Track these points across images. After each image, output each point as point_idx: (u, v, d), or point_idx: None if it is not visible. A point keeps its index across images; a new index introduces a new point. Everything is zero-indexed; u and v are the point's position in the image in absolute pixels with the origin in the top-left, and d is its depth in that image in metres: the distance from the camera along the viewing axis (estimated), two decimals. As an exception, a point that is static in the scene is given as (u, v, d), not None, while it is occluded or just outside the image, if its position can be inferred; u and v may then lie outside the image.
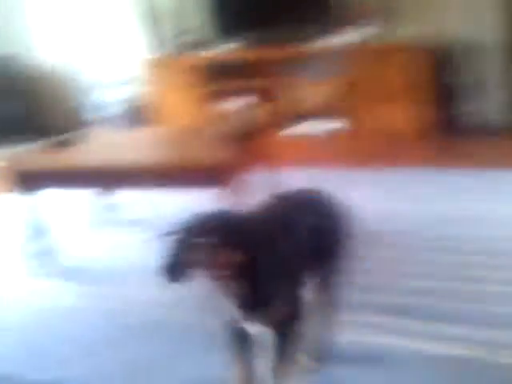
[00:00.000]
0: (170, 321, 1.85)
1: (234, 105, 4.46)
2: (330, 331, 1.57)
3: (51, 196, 3.16)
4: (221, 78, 4.35)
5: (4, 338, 1.87)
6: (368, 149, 3.91)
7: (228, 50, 4.40)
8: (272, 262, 1.26)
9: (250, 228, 1.24)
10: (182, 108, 4.52)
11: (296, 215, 1.45)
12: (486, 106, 4.06)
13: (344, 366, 1.53)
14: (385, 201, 2.80)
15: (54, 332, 1.87)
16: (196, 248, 1.15)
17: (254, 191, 2.23)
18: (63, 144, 2.44)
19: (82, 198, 3.06)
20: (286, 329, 1.32)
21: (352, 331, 1.66)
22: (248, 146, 2.23)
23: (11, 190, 2.39)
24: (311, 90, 4.30)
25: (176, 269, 1.16)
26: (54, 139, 2.53)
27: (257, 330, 1.32)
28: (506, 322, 1.66)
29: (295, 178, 2.99)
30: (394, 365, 1.53)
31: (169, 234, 1.19)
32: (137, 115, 4.69)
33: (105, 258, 2.42)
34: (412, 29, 3.99)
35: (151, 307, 1.95)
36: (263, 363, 1.38)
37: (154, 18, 4.63)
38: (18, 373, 1.65)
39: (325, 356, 1.55)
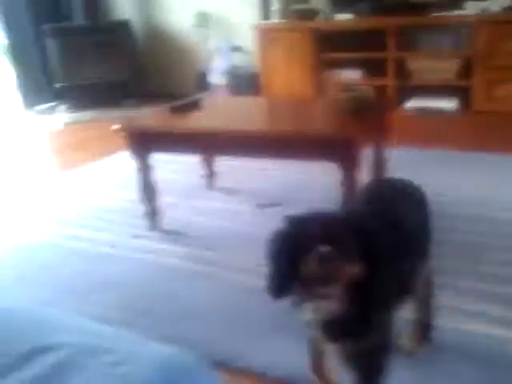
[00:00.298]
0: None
1: (347, 76, 4.30)
2: (430, 316, 1.48)
3: (161, 160, 3.29)
4: (335, 48, 4.19)
5: (108, 292, 1.95)
6: (485, 132, 3.59)
7: (343, 19, 4.21)
8: (390, 277, 1.03)
9: (375, 233, 1.01)
10: (295, 77, 4.43)
11: (407, 215, 1.23)
12: None
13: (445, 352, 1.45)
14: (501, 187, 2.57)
15: (159, 290, 1.92)
16: (315, 257, 0.93)
17: (365, 167, 2.14)
18: (178, 109, 2.46)
19: (190, 163, 3.13)
20: (373, 363, 1.13)
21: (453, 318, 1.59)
22: (362, 120, 2.12)
23: (125, 151, 2.47)
24: (429, 64, 4.01)
25: (284, 282, 0.99)
26: (169, 103, 2.56)
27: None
28: None
29: (404, 156, 2.87)
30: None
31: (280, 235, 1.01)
32: (251, 83, 4.68)
33: (209, 223, 2.44)
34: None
35: (248, 273, 1.93)
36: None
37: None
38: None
39: (426, 341, 1.47)
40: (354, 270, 0.96)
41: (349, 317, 1.02)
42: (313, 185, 2.77)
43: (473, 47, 3.79)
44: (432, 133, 3.62)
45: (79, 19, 5.12)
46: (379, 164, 2.47)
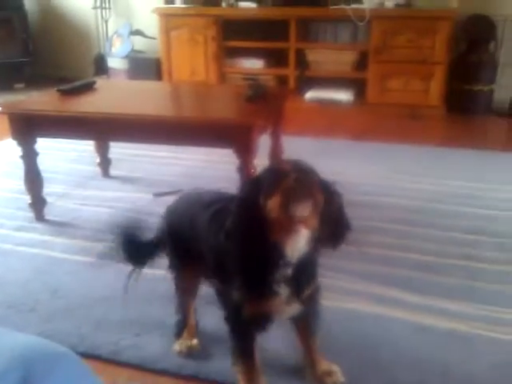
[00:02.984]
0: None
1: (249, 65, 4.30)
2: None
3: (54, 147, 3.07)
4: (238, 36, 4.17)
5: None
6: (378, 123, 3.75)
7: (246, 7, 4.20)
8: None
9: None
10: (198, 64, 4.35)
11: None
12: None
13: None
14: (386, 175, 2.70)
15: (45, 285, 1.78)
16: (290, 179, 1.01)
17: (263, 155, 2.14)
18: (67, 91, 2.31)
19: (87, 151, 2.97)
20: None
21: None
22: (259, 107, 2.11)
23: (9, 137, 2.28)
24: (328, 55, 4.11)
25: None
26: (60, 86, 2.39)
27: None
28: None
29: (302, 145, 2.93)
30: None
31: None
32: (153, 69, 4.53)
33: (102, 214, 2.31)
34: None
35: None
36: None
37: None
38: None
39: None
40: (321, 195, 1.03)
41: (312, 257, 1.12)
42: (211, 172, 2.73)
43: (368, 41, 3.93)
44: (329, 123, 3.72)
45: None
46: (276, 151, 2.48)
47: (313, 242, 1.09)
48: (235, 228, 1.08)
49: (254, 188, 1.06)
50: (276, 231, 1.04)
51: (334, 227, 1.09)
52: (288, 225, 1.03)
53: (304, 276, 1.13)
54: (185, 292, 1.44)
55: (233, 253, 1.11)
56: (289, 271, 1.10)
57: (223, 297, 1.25)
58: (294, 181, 1.00)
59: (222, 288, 1.25)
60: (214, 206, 1.26)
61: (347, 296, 1.68)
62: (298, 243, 1.07)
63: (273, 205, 1.01)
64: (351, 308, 1.63)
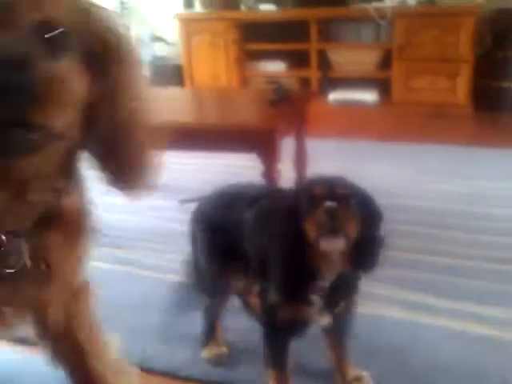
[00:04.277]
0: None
1: (271, 68, 4.29)
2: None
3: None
4: (259, 39, 4.16)
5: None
6: (404, 123, 3.70)
7: (267, 10, 4.19)
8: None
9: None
10: (220, 69, 4.37)
11: None
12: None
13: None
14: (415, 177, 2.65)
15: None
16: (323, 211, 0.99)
17: (287, 159, 2.13)
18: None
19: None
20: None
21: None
22: (283, 111, 2.10)
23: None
24: (350, 55, 4.08)
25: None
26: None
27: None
28: None
29: (327, 147, 2.91)
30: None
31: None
32: (175, 74, 4.56)
33: (128, 221, 2.34)
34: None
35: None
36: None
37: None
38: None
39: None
40: (355, 225, 1.02)
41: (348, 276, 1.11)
42: (235, 178, 2.71)
43: (391, 39, 3.88)
44: (354, 124, 3.68)
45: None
46: (301, 155, 2.46)
47: (349, 261, 1.08)
48: (277, 240, 1.10)
49: (293, 207, 1.07)
50: (312, 252, 1.05)
51: (370, 247, 1.08)
52: (321, 251, 1.04)
53: (340, 290, 1.13)
54: (215, 296, 1.43)
55: (274, 259, 1.12)
56: (325, 284, 1.10)
57: (260, 298, 1.25)
58: (326, 213, 1.00)
59: (261, 289, 1.25)
60: (258, 202, 1.25)
61: (376, 302, 1.65)
62: (333, 265, 1.08)
63: (308, 230, 1.02)
64: (380, 314, 1.60)
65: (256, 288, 1.35)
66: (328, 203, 1.00)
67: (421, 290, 1.71)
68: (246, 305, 1.58)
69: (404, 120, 3.75)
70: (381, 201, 1.15)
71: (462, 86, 3.80)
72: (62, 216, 0.81)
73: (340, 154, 2.91)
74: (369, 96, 4.03)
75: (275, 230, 1.10)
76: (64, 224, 0.81)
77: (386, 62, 3.97)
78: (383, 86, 4.02)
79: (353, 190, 1.07)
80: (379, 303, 1.65)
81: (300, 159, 2.44)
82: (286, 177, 2.07)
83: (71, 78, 0.58)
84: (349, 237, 1.02)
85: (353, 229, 1.02)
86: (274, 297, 1.14)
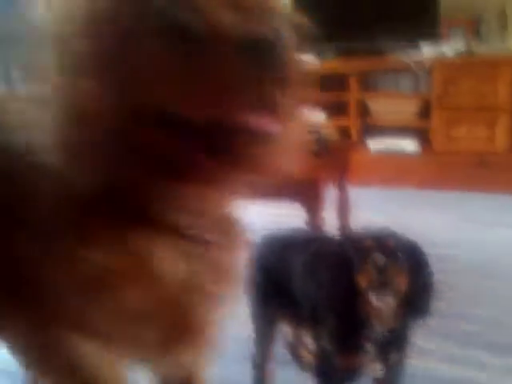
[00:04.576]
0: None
1: (312, 118, 4.39)
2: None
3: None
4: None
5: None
6: (445, 171, 3.71)
7: (308, 61, 4.34)
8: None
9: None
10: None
11: None
12: None
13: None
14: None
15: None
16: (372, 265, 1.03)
17: (330, 207, 2.17)
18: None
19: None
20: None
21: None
22: (325, 161, 2.17)
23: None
24: (390, 105, 4.15)
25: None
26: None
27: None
28: None
29: (368, 196, 2.94)
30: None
31: None
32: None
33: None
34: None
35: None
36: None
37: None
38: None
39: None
40: (404, 280, 1.04)
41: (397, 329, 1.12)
42: (279, 226, 2.78)
43: (430, 89, 3.95)
44: (395, 173, 3.72)
45: None
46: (344, 204, 2.51)
47: (401, 314, 1.11)
48: (331, 288, 1.14)
49: (344, 257, 1.11)
50: (364, 302, 1.09)
51: (421, 299, 1.12)
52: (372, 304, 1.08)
53: (392, 341, 1.16)
54: (266, 342, 1.44)
55: (328, 307, 1.16)
56: (378, 334, 1.13)
57: (316, 344, 1.28)
58: (375, 268, 1.03)
59: (314, 337, 1.28)
60: (310, 248, 1.30)
61: (424, 355, 1.65)
62: (383, 319, 1.11)
63: (359, 282, 1.07)
64: (429, 367, 1.59)
65: (306, 339, 1.38)
66: (377, 257, 1.03)
67: (469, 344, 1.70)
68: (296, 356, 1.60)
69: (445, 168, 3.76)
70: (425, 250, 1.19)
71: (501, 134, 3.81)
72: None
73: (383, 202, 2.95)
74: (409, 145, 4.07)
75: (328, 278, 1.14)
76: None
77: (425, 112, 4.02)
78: (423, 135, 4.05)
79: (401, 242, 1.09)
80: (426, 356, 1.64)
81: (343, 207, 2.49)
82: (330, 225, 2.12)
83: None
84: (399, 290, 1.05)
85: (403, 283, 1.05)
86: (328, 345, 1.18)
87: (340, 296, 1.13)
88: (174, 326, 0.72)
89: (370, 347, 1.14)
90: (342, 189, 2.52)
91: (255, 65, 0.55)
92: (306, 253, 1.28)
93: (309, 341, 1.47)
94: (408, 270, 1.06)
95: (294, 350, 1.59)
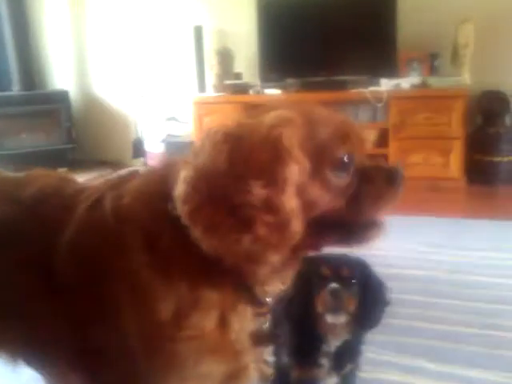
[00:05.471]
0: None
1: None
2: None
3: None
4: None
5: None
6: (400, 196, 3.92)
7: (273, 94, 4.56)
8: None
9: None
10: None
11: None
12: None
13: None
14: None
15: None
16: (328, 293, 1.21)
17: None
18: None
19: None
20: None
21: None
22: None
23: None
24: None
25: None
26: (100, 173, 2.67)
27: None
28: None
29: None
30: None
31: None
32: (184, 150, 4.85)
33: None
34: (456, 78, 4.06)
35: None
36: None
37: (207, 62, 4.86)
38: None
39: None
40: (355, 304, 1.23)
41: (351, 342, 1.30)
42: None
43: (387, 120, 4.20)
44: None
45: (16, 89, 5.22)
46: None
47: (353, 327, 1.28)
48: (291, 307, 1.28)
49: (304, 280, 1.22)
50: (320, 321, 1.26)
51: (372, 312, 1.29)
52: (327, 322, 1.25)
53: (345, 354, 1.33)
54: None
55: (287, 325, 1.32)
56: (332, 348, 1.30)
57: (276, 359, 1.42)
58: (330, 294, 1.21)
59: (274, 352, 1.42)
60: None
61: (377, 366, 1.80)
62: (337, 333, 1.28)
63: (316, 305, 1.24)
64: (381, 378, 1.74)
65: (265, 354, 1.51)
66: (332, 285, 1.22)
67: (419, 355, 1.86)
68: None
69: (401, 193, 3.97)
70: (380, 270, 1.35)
71: (455, 161, 4.07)
72: None
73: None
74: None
75: (290, 300, 1.28)
76: None
77: (382, 140, 4.26)
78: (381, 162, 4.28)
79: (355, 269, 1.27)
80: (380, 368, 1.80)
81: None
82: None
83: None
84: (350, 312, 1.23)
85: (354, 306, 1.23)
86: (287, 359, 1.33)
87: (300, 316, 1.28)
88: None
89: (325, 361, 1.30)
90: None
91: (394, 185, 0.94)
92: None
93: (268, 355, 1.60)
94: (359, 292, 1.25)
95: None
